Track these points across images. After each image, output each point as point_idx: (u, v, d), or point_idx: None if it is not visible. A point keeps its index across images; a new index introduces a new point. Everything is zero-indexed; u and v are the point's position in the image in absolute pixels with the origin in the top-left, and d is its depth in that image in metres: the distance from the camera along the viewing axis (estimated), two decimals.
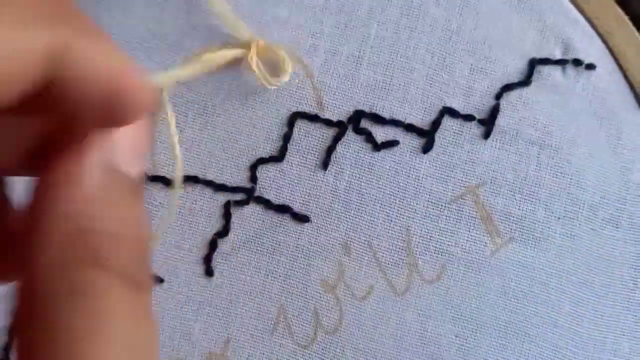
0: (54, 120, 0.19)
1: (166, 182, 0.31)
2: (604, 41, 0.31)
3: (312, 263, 0.31)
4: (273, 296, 0.31)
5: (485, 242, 0.30)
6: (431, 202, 0.30)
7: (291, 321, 0.31)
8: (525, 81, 0.30)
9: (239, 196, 0.31)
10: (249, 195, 0.31)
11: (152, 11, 0.31)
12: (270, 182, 0.31)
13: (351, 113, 0.31)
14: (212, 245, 0.31)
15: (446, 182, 0.30)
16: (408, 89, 0.31)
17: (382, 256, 0.30)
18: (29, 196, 0.19)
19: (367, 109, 0.31)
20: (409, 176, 0.30)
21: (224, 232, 0.31)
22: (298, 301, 0.31)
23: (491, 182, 0.30)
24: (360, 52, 0.31)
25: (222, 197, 0.31)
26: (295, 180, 0.31)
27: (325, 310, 0.30)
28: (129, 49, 0.31)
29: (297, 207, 0.31)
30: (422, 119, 0.31)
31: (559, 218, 0.30)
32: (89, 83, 0.17)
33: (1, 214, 0.20)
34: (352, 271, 0.30)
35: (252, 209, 0.31)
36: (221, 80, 0.31)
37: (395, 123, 0.31)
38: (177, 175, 0.28)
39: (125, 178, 0.19)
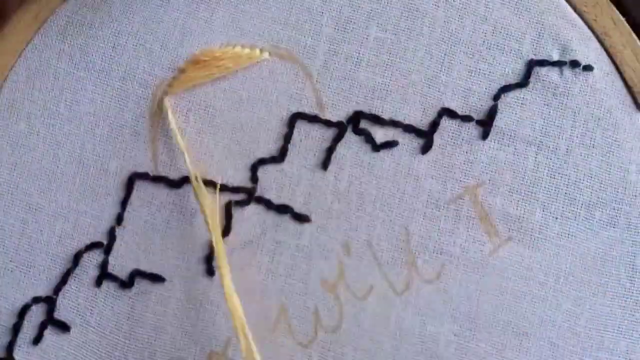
0: None
1: (169, 182, 0.31)
2: (601, 42, 0.31)
3: (312, 263, 0.31)
4: (273, 295, 0.31)
5: (484, 242, 0.30)
6: (430, 202, 0.31)
7: (292, 320, 0.31)
8: (523, 82, 0.31)
9: (239, 196, 0.31)
10: (249, 195, 0.31)
11: (153, 11, 0.31)
12: (271, 183, 0.31)
13: (351, 114, 0.31)
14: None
15: (445, 182, 0.31)
16: (407, 90, 0.31)
17: (382, 256, 0.31)
18: None
19: (366, 110, 0.31)
20: (408, 176, 0.31)
21: (225, 232, 0.31)
22: (298, 300, 0.31)
23: (489, 182, 0.31)
24: (359, 53, 0.31)
25: (223, 197, 0.31)
26: (296, 181, 0.31)
27: (325, 309, 0.31)
28: (131, 49, 0.31)
29: (297, 207, 0.31)
30: (420, 120, 0.31)
31: (556, 218, 0.30)
32: None
33: None
34: (352, 271, 0.31)
35: (253, 209, 0.31)
36: (222, 81, 0.31)
37: (394, 124, 0.31)
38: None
39: None
